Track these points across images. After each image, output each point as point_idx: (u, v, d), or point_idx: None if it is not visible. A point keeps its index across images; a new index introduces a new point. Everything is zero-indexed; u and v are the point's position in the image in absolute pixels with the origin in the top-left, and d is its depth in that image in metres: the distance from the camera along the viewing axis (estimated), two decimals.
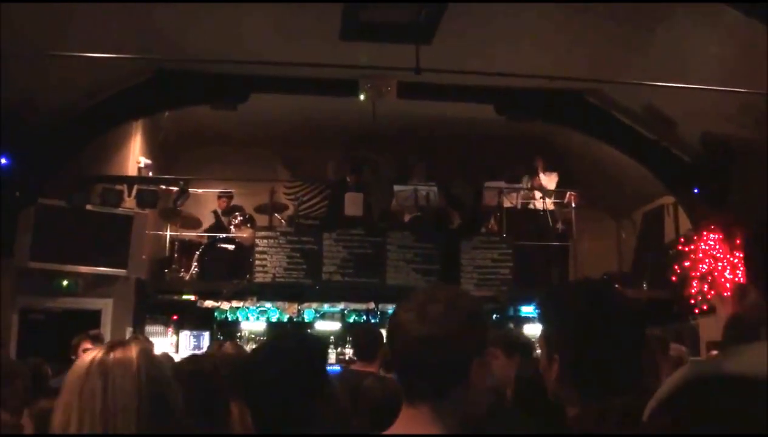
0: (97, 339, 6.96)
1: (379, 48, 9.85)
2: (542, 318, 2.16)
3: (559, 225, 12.85)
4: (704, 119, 10.50)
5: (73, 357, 6.78)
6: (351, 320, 11.82)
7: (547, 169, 12.82)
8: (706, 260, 11.07)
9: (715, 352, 7.73)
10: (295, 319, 11.72)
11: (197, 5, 9.05)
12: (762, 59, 8.42)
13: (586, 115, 11.74)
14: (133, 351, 2.09)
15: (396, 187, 12.38)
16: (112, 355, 2.06)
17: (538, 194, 12.70)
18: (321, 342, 4.02)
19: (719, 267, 10.88)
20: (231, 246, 12.18)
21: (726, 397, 0.99)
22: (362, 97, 10.79)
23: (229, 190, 12.97)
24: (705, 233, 11.16)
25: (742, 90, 8.73)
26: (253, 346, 10.82)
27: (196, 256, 11.97)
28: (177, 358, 7.49)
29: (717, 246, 10.99)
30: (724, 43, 8.97)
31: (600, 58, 10.17)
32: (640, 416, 1.29)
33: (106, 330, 10.37)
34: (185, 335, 11.76)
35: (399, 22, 9.29)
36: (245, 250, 11.95)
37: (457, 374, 1.81)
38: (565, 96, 11.45)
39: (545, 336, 2.07)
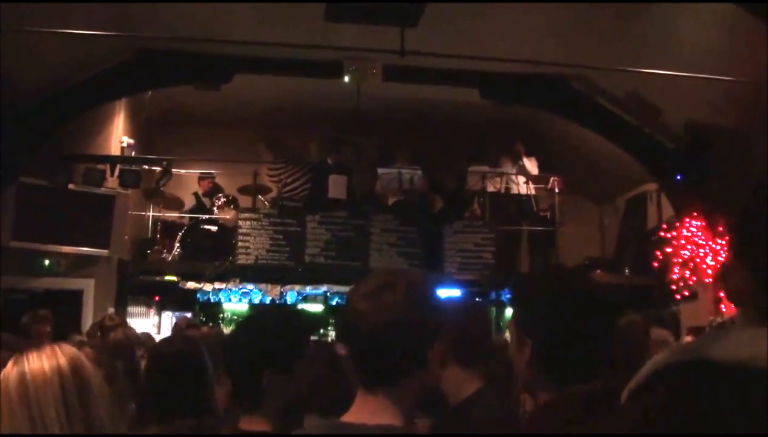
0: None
1: (364, 30, 9.81)
2: (514, 302, 2.18)
3: (542, 211, 12.89)
4: (688, 106, 10.55)
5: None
6: (334, 303, 11.81)
7: (528, 154, 12.82)
8: (688, 246, 11.14)
9: (689, 338, 7.79)
10: (277, 301, 11.70)
11: None
12: (746, 47, 8.46)
13: (570, 101, 11.76)
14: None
15: (380, 170, 12.36)
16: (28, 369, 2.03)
17: (521, 179, 12.70)
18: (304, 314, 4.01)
19: (701, 254, 10.96)
20: (214, 228, 12.13)
21: (701, 382, 0.99)
22: (347, 79, 10.76)
23: (210, 172, 12.91)
24: (687, 220, 11.23)
25: (726, 78, 8.76)
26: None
27: (178, 237, 11.93)
28: (158, 339, 7.49)
29: (699, 233, 11.07)
30: (709, 31, 9.01)
31: (585, 44, 10.17)
32: (614, 400, 1.28)
33: (88, 311, 10.38)
34: (167, 316, 11.75)
35: (385, 4, 9.26)
36: (228, 232, 11.91)
37: (414, 362, 1.80)
38: (549, 81, 11.46)
39: (516, 320, 2.09)
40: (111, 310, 10.52)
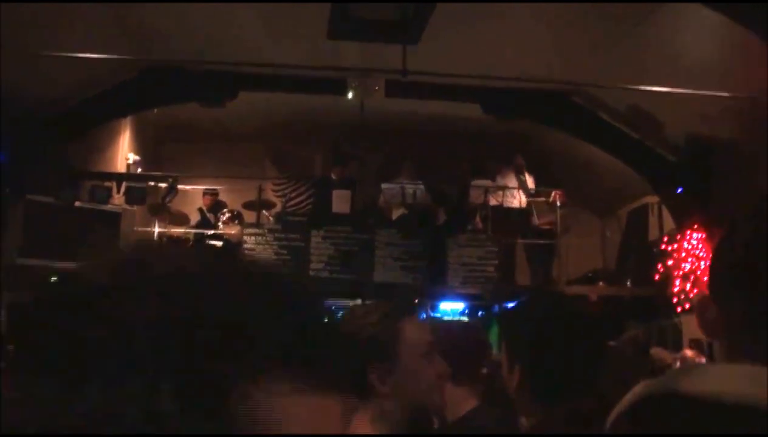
0: None
1: (367, 47, 9.93)
2: (503, 329, 2.25)
3: (545, 224, 12.95)
4: (689, 120, 10.61)
5: None
6: (338, 317, 11.83)
7: (528, 169, 12.90)
8: (689, 259, 11.19)
9: (689, 352, 7.83)
10: None
11: (186, 4, 9.12)
12: (744, 62, 8.55)
13: (571, 115, 11.83)
14: None
15: (383, 184, 12.43)
16: None
17: (519, 192, 12.78)
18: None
19: (702, 267, 11.00)
20: (219, 243, 12.19)
21: (672, 417, 1.03)
22: (350, 95, 10.85)
23: (214, 188, 12.99)
24: (688, 232, 11.28)
25: (725, 93, 8.83)
26: None
27: None
28: None
29: (700, 246, 11.11)
30: (707, 46, 9.09)
31: (585, 60, 10.26)
32: (598, 424, 1.34)
33: None
34: None
35: (387, 22, 9.36)
36: (232, 247, 11.97)
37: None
38: (551, 96, 11.54)
39: (507, 346, 2.16)
40: None
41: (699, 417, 1.01)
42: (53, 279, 0.68)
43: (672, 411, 1.04)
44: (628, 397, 1.10)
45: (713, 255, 1.22)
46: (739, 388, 1.00)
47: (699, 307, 1.21)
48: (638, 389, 1.09)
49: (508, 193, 12.79)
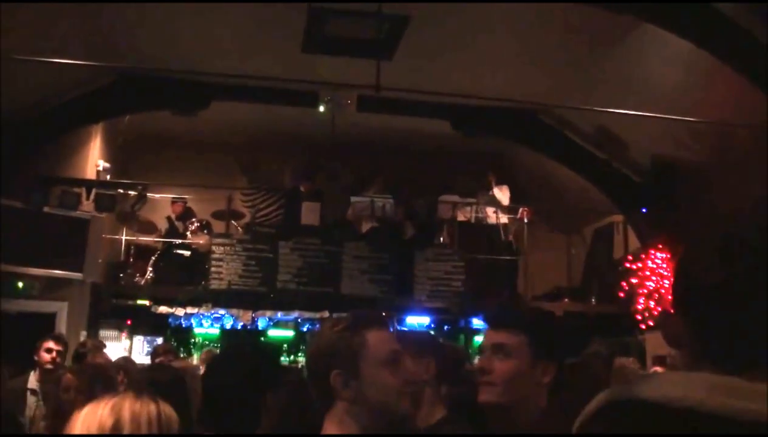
0: (59, 340, 7.03)
1: (340, 62, 10.02)
2: (531, 333, 2.35)
3: (511, 239, 13.08)
4: (654, 142, 10.82)
5: (36, 358, 6.83)
6: (304, 328, 11.89)
7: (499, 183, 13.00)
8: (653, 277, 11.37)
9: (657, 367, 7.95)
10: (248, 327, 11.76)
11: (160, 13, 9.15)
12: (709, 86, 8.75)
13: (539, 134, 12.00)
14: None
15: (353, 198, 12.49)
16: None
17: (490, 209, 12.89)
18: (273, 346, 4.16)
19: (665, 285, 11.18)
20: (187, 252, 12.18)
21: (633, 420, 1.10)
22: (322, 109, 10.94)
23: (183, 196, 12.98)
24: (652, 251, 11.47)
25: (691, 118, 9.02)
26: (205, 352, 10.93)
27: (151, 261, 11.98)
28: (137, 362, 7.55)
29: (663, 265, 11.31)
30: (673, 71, 9.29)
31: (554, 81, 10.43)
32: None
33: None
34: (139, 340, 11.74)
35: (361, 37, 9.46)
36: (201, 257, 11.97)
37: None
38: (519, 114, 11.70)
39: (530, 343, 2.32)
40: (83, 334, 10.54)
41: (658, 421, 1.09)
42: None
43: (633, 416, 1.11)
44: (592, 404, 1.18)
45: (676, 273, 1.32)
46: (696, 394, 1.08)
47: (663, 320, 1.31)
48: (602, 396, 1.17)
49: (484, 209, 12.89)
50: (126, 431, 2.02)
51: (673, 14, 7.92)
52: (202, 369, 4.66)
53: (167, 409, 2.15)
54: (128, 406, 2.08)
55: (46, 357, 6.81)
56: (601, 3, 7.99)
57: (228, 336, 11.65)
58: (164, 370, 3.78)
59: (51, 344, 6.87)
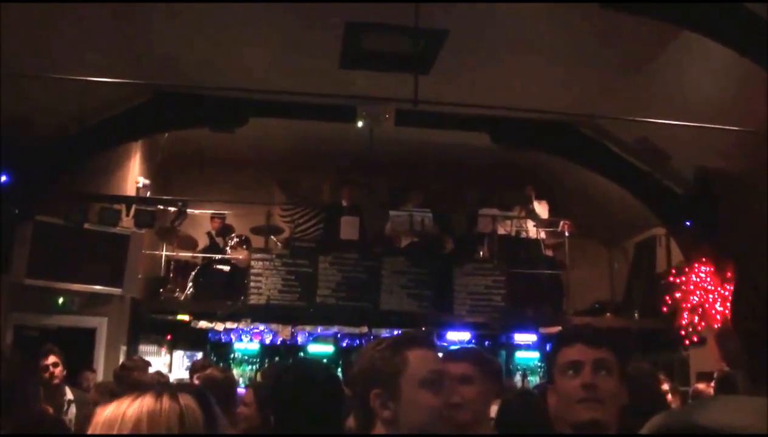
0: (55, 352, 6.87)
1: (377, 76, 9.99)
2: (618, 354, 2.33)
3: (551, 253, 12.95)
4: (697, 153, 10.63)
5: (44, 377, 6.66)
6: (344, 344, 11.86)
7: (539, 197, 12.89)
8: (697, 292, 11.17)
9: (701, 385, 7.79)
10: (288, 342, 11.75)
11: (198, 31, 9.21)
12: (752, 96, 8.58)
13: (580, 146, 11.85)
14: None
15: (391, 212, 12.45)
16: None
17: (530, 222, 12.79)
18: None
19: (710, 300, 10.98)
20: (226, 268, 12.22)
21: None
22: (360, 124, 10.90)
23: (221, 212, 13.04)
24: (696, 265, 11.27)
25: (734, 127, 8.85)
26: (245, 368, 10.94)
27: (191, 277, 12.03)
28: (171, 378, 7.56)
29: (708, 279, 11.10)
30: (716, 80, 9.14)
31: (595, 92, 10.32)
32: None
33: (101, 349, 10.45)
34: (179, 355, 11.81)
35: (398, 52, 9.43)
36: (240, 272, 11.99)
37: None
38: (559, 126, 11.58)
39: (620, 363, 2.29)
40: (123, 349, 10.61)
41: None
42: None
43: None
44: (646, 429, 1.12)
45: (735, 291, 1.26)
46: (747, 420, 1.03)
47: (721, 339, 1.25)
48: (656, 420, 1.11)
49: (524, 223, 12.80)
50: (145, 430, 1.98)
51: (713, 21, 7.79)
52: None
53: (191, 404, 2.10)
54: (150, 404, 2.03)
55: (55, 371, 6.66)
56: (633, 9, 7.87)
57: (297, 363, 11.61)
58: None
59: (53, 358, 6.71)
